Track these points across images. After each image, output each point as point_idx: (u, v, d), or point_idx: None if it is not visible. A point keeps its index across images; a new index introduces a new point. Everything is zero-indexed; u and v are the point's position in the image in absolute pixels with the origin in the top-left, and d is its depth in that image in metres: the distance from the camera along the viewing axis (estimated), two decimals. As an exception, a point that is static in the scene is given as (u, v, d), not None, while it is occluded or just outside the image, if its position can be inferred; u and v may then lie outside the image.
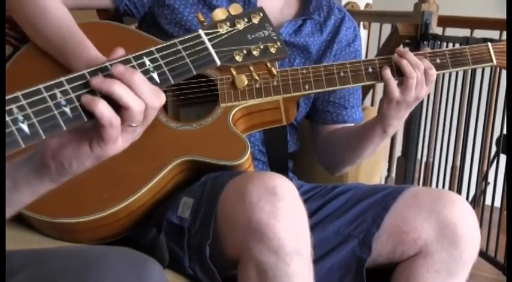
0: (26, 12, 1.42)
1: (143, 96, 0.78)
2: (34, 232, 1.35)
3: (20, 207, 0.84)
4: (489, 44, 1.48)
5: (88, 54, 1.37)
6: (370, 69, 1.44)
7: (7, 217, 0.81)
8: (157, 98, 0.80)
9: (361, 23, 4.06)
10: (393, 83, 1.41)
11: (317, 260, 1.29)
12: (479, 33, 3.11)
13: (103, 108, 0.76)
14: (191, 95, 1.46)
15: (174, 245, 1.31)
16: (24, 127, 0.71)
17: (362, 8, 4.37)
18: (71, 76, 0.76)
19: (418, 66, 1.40)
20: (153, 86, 0.80)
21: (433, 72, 1.41)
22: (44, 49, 1.43)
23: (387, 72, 1.42)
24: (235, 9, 0.92)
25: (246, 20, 0.92)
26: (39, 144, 0.80)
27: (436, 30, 3.12)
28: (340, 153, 1.59)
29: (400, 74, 1.42)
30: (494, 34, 3.16)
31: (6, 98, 0.71)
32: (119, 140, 0.79)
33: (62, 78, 0.75)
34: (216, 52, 0.87)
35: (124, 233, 1.38)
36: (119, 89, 0.77)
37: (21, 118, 0.71)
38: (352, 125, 1.63)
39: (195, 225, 1.28)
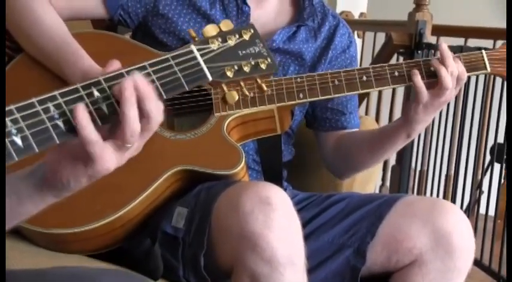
0: (20, 22, 1.41)
1: (148, 111, 0.79)
2: (28, 243, 1.34)
3: (23, 220, 0.84)
4: (483, 51, 1.49)
5: (82, 64, 1.37)
6: (364, 78, 1.45)
7: (9, 229, 0.81)
8: (159, 112, 0.81)
9: (355, 32, 4.06)
10: (424, 89, 1.41)
11: (311, 270, 1.29)
12: (473, 42, 3.12)
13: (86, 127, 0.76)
14: (185, 105, 1.46)
15: (169, 255, 1.30)
16: (18, 140, 0.71)
17: (356, 17, 4.38)
18: (64, 90, 0.76)
19: (453, 74, 1.40)
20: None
21: (465, 77, 1.42)
22: (38, 59, 1.42)
23: (418, 80, 1.42)
24: (226, 25, 0.93)
25: (237, 36, 0.93)
26: (42, 161, 0.80)
27: (430, 39, 3.13)
28: (353, 158, 1.59)
29: (429, 76, 1.42)
30: (488, 43, 3.16)
31: None
32: (105, 158, 0.78)
33: (56, 92, 0.76)
34: (207, 68, 0.88)
35: (118, 243, 1.37)
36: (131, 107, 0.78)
37: (14, 131, 0.71)
38: (365, 130, 1.64)
39: (189, 235, 1.28)
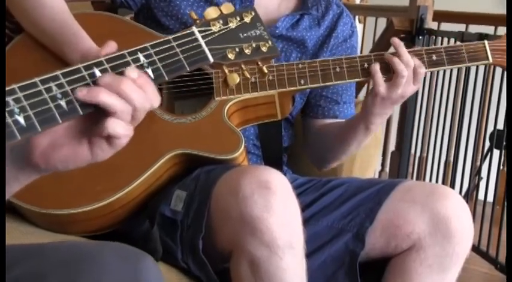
0: (22, 3, 1.41)
1: (131, 101, 0.79)
2: (28, 224, 1.35)
3: (8, 197, 0.84)
4: (485, 42, 1.48)
5: (83, 46, 1.36)
6: (366, 65, 1.44)
7: None
8: (147, 101, 0.80)
9: (357, 17, 4.05)
10: (380, 78, 1.41)
11: (310, 254, 1.30)
12: (474, 29, 3.12)
13: (107, 99, 0.77)
14: (186, 88, 1.46)
15: (167, 238, 1.31)
16: (20, 119, 0.72)
17: (358, 2, 4.36)
18: (66, 70, 0.77)
19: (408, 64, 1.39)
20: (144, 90, 0.80)
21: (422, 71, 1.41)
22: (38, 39, 1.42)
23: (375, 67, 1.41)
24: (228, 8, 0.94)
25: (238, 19, 0.94)
26: (24, 142, 0.80)
27: (431, 25, 3.12)
28: (330, 148, 1.59)
29: (389, 70, 1.41)
30: (489, 29, 3.16)
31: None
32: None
33: (58, 72, 0.76)
34: (209, 49, 0.89)
35: (117, 225, 1.38)
36: (105, 98, 0.77)
37: (17, 110, 0.72)
38: (343, 120, 1.63)
39: (188, 218, 1.28)
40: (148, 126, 1.39)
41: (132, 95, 0.78)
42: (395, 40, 1.42)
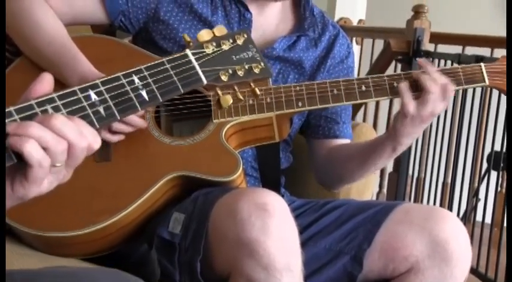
0: (20, 25, 1.42)
1: (65, 135, 0.74)
2: (25, 246, 1.34)
3: None
4: (482, 64, 1.49)
5: (82, 69, 1.37)
6: (363, 88, 1.45)
7: None
8: (83, 138, 0.75)
9: (354, 38, 4.08)
10: (409, 96, 1.40)
11: (308, 276, 1.29)
12: (470, 50, 3.13)
13: (32, 148, 0.72)
14: (184, 110, 1.46)
15: (165, 261, 1.30)
16: None
17: (355, 23, 4.39)
18: (62, 92, 0.77)
19: (436, 81, 1.40)
20: (81, 127, 0.76)
21: (452, 88, 1.41)
22: (37, 62, 1.42)
23: (404, 86, 1.41)
24: (220, 30, 0.95)
25: (230, 40, 0.96)
26: None
27: (428, 46, 3.14)
28: (343, 170, 1.58)
29: (416, 88, 1.41)
30: (485, 51, 3.19)
31: None
32: (44, 181, 0.76)
33: (54, 94, 0.76)
34: (202, 71, 0.90)
35: (114, 247, 1.37)
36: (35, 131, 0.73)
37: None
38: (349, 141, 1.64)
39: (185, 240, 1.28)
40: (146, 148, 1.39)
41: (65, 128, 0.74)
42: (422, 60, 1.44)
